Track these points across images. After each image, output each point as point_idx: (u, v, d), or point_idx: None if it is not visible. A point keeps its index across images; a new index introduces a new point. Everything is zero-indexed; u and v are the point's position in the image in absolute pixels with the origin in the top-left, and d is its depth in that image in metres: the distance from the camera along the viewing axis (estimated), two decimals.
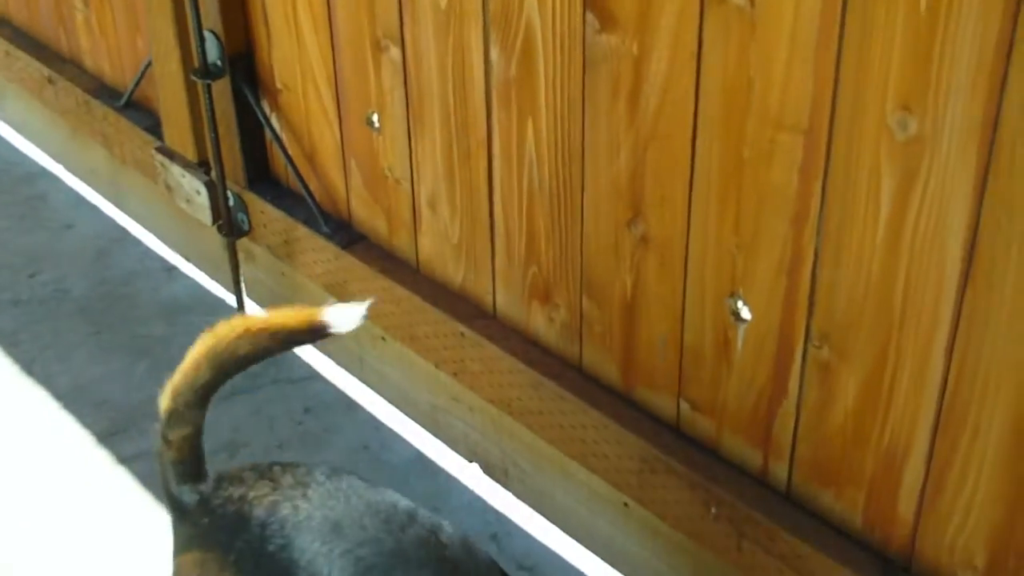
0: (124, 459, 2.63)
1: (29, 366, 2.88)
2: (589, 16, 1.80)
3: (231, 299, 2.97)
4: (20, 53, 3.17)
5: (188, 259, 3.11)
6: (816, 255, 1.68)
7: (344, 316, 1.70)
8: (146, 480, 2.57)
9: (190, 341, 2.94)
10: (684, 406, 1.97)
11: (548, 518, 2.37)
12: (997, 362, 1.54)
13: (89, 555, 2.42)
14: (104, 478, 2.60)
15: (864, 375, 1.70)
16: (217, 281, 3.02)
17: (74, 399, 2.79)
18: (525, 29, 1.90)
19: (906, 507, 1.74)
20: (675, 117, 1.76)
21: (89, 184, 3.35)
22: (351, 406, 2.75)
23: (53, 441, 2.68)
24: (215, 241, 2.86)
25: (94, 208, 3.37)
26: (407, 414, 2.61)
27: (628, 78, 1.79)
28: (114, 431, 2.70)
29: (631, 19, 1.75)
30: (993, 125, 1.43)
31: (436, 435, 2.56)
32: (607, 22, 1.78)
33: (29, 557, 2.41)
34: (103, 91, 2.99)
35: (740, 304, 1.81)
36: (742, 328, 1.82)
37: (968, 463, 1.64)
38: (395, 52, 2.14)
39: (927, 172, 1.50)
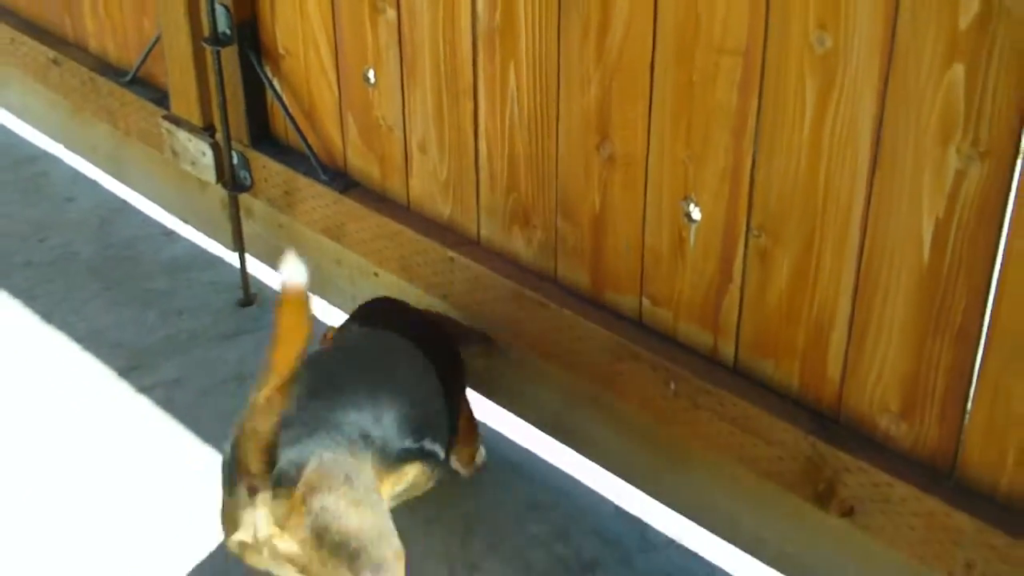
0: (143, 389, 2.93)
1: (47, 317, 3.16)
2: None
3: (228, 256, 3.28)
4: (25, 38, 3.39)
5: (187, 222, 3.38)
6: (754, 159, 2.04)
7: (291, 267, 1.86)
8: (166, 406, 2.88)
9: (193, 293, 3.28)
10: (646, 302, 2.31)
11: (527, 420, 2.69)
12: (902, 232, 1.90)
13: (114, 479, 2.69)
14: (126, 407, 2.89)
15: (795, 257, 2.05)
16: (216, 240, 3.30)
17: (92, 342, 3.07)
18: None
19: (833, 369, 2.08)
20: (636, 51, 2.12)
21: (89, 160, 3.60)
22: None
23: (76, 377, 2.97)
24: (214, 202, 3.17)
25: (93, 183, 3.65)
26: None
27: (597, 20, 2.14)
28: (132, 367, 3.00)
29: None
30: (891, 38, 1.80)
31: None
32: None
33: (58, 484, 2.68)
34: (107, 70, 3.24)
35: (692, 206, 2.16)
36: (694, 227, 2.18)
37: (881, 324, 1.99)
38: (391, 14, 2.48)
39: (841, 79, 1.87)
